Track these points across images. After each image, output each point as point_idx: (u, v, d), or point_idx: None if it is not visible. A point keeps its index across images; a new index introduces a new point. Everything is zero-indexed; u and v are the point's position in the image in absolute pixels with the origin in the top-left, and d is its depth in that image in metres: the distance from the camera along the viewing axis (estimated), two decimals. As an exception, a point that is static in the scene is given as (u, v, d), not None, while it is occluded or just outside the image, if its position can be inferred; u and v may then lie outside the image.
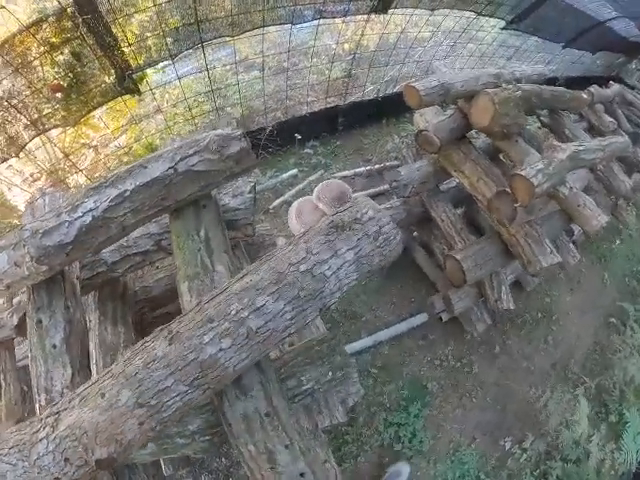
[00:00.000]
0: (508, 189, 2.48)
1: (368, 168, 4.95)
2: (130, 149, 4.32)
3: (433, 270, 3.97)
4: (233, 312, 1.21)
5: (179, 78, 3.98)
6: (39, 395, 1.56)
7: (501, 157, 3.58)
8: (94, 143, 4.25)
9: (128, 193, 1.46)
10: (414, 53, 5.47)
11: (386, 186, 4.76)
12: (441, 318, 3.77)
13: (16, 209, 4.19)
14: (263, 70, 4.40)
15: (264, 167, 4.85)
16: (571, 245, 3.82)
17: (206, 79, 4.05)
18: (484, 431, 3.45)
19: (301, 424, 1.83)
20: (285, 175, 4.80)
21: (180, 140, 1.95)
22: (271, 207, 4.54)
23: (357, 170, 4.93)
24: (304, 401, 1.81)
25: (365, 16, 4.28)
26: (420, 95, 2.59)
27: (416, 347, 3.74)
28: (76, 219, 1.40)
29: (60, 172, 4.06)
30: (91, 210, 1.42)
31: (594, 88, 4.72)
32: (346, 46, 5.09)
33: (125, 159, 4.31)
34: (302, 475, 1.45)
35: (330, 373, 1.84)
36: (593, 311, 4.47)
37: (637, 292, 4.90)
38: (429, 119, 3.11)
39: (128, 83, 3.49)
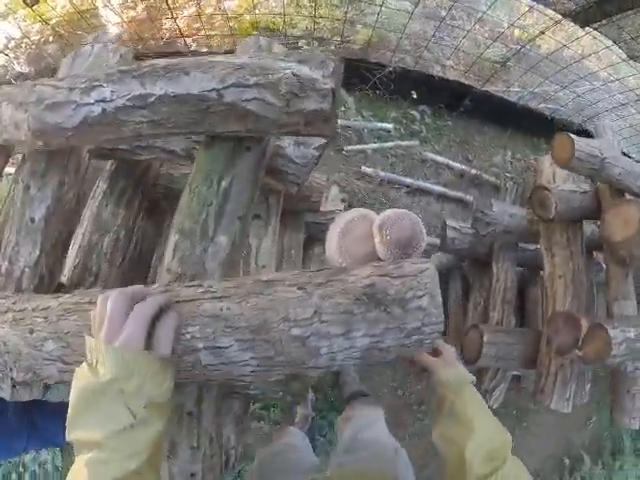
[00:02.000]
0: (582, 322, 2.07)
1: (463, 167, 4.40)
2: (237, 18, 3.86)
3: (455, 309, 3.63)
4: (187, 336, 0.94)
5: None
6: (2, 260, 1.46)
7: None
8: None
9: (152, 99, 1.11)
10: (579, 84, 4.62)
11: (468, 197, 4.28)
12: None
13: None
14: (416, 5, 3.76)
15: (363, 105, 4.35)
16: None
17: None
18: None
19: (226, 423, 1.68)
20: (379, 124, 4.30)
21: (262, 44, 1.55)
22: (346, 149, 4.13)
23: (451, 163, 4.40)
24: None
25: (559, 16, 3.51)
26: (573, 155, 2.11)
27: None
28: (85, 105, 1.10)
29: (157, 10, 3.69)
30: (104, 101, 1.10)
31: None
32: (517, 33, 4.31)
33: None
34: (192, 475, 1.28)
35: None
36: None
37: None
38: (557, 179, 2.60)
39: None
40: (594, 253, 2.99)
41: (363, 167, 4.08)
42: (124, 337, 0.77)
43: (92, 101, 1.11)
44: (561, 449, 4.14)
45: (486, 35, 4.33)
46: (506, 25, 4.16)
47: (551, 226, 2.53)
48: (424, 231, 1.12)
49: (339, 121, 4.15)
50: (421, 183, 4.18)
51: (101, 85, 1.12)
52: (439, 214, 4.15)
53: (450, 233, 3.17)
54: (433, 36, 4.02)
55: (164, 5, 3.64)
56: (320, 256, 3.38)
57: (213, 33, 4.03)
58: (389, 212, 1.14)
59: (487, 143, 4.70)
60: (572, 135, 2.24)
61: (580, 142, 2.19)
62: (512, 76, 4.56)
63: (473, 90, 4.47)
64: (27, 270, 1.49)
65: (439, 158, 4.38)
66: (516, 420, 3.86)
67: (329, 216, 3.13)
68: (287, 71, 1.06)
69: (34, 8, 3.82)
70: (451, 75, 4.43)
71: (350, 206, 3.83)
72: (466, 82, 4.45)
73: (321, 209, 3.17)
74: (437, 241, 3.44)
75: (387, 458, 1.53)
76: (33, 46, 4.46)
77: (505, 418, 3.77)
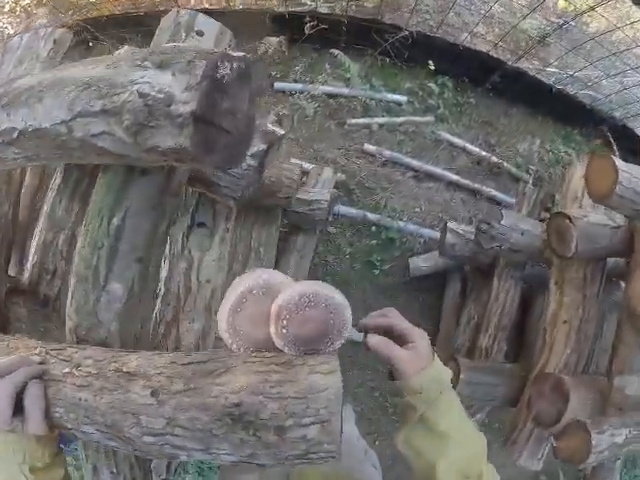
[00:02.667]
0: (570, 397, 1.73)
1: (483, 153, 3.91)
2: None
3: (448, 315, 3.33)
4: (57, 414, 0.86)
5: None
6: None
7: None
8: None
9: (16, 134, 0.93)
10: (628, 75, 3.98)
11: (483, 188, 3.82)
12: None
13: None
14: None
15: (372, 72, 3.87)
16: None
17: None
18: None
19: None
20: (389, 96, 3.85)
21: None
22: (348, 123, 3.70)
23: (469, 146, 3.91)
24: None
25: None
26: (612, 191, 1.67)
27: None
28: None
29: None
30: None
31: None
32: (562, 4, 3.66)
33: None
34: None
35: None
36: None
37: None
38: (586, 198, 2.13)
39: None
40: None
41: (366, 144, 3.69)
42: None
43: None
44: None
45: (523, 3, 3.71)
46: None
47: (568, 261, 2.11)
48: (345, 320, 0.83)
49: (343, 89, 3.71)
50: (430, 167, 3.75)
51: None
52: (447, 204, 3.74)
53: (450, 238, 2.85)
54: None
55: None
56: (303, 248, 3.12)
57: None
58: (295, 291, 0.84)
59: (513, 127, 4.15)
60: (617, 161, 1.73)
61: (626, 172, 1.69)
62: (550, 54, 3.97)
63: (504, 65, 3.90)
64: None
65: (456, 140, 3.91)
66: (497, 433, 3.62)
67: (314, 205, 2.84)
68: (134, 88, 0.75)
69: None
70: (478, 45, 3.88)
71: (340, 192, 3.47)
72: (496, 55, 3.90)
73: (305, 197, 2.89)
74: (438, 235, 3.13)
75: (356, 459, 1.46)
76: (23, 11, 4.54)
77: (485, 431, 3.53)
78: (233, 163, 0.89)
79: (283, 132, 1.89)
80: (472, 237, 2.76)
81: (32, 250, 2.20)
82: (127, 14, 4.34)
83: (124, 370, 0.87)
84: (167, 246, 1.56)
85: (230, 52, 0.78)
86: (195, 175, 1.38)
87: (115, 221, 1.06)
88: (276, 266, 2.95)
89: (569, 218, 1.96)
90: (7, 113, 0.95)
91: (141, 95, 0.73)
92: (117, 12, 4.38)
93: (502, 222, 2.45)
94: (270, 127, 1.89)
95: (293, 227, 3.05)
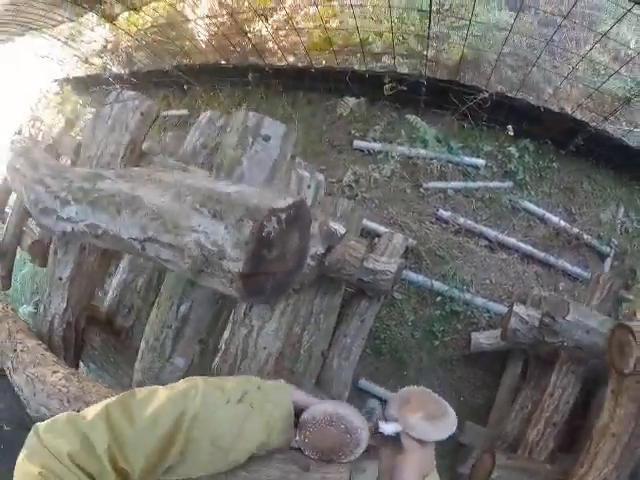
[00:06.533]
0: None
1: (562, 223, 3.86)
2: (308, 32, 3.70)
3: (503, 397, 3.34)
4: None
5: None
6: (43, 305, 2.09)
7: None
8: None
9: (100, 232, 1.21)
10: None
11: (560, 262, 3.78)
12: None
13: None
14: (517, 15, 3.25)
15: (452, 134, 4.00)
16: None
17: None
18: None
19: None
20: (467, 159, 3.96)
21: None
22: (424, 186, 3.86)
23: (547, 215, 3.89)
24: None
25: None
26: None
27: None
28: (61, 220, 1.35)
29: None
30: (71, 221, 1.27)
31: None
32: None
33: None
34: None
35: None
36: None
37: None
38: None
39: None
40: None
41: (440, 210, 3.81)
42: None
43: (65, 217, 1.26)
44: None
45: (607, 58, 3.69)
46: (633, 47, 3.46)
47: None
48: (359, 440, 1.04)
49: (421, 151, 3.87)
50: (505, 238, 3.78)
51: (69, 202, 1.25)
52: (519, 277, 3.74)
53: (514, 323, 2.82)
54: (539, 57, 3.46)
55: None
56: (365, 312, 3.27)
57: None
58: (321, 409, 1.07)
59: (597, 194, 4.06)
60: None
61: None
62: (638, 114, 3.84)
63: (588, 127, 3.83)
64: (57, 316, 2.04)
65: (534, 207, 3.91)
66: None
67: (380, 276, 2.98)
68: (193, 236, 0.95)
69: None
70: (562, 106, 3.86)
71: (410, 258, 3.61)
72: (580, 116, 3.85)
73: (372, 266, 3.01)
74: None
75: None
76: (124, 53, 5.20)
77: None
78: (281, 294, 1.10)
79: (344, 231, 2.08)
80: (536, 324, 2.78)
81: (113, 286, 2.63)
82: (217, 64, 4.80)
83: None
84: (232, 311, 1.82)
85: (277, 205, 0.91)
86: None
87: (182, 309, 1.34)
88: (336, 329, 3.15)
89: (632, 332, 1.92)
90: (92, 210, 1.20)
91: (198, 244, 0.93)
92: (209, 62, 4.86)
93: (567, 317, 2.44)
94: (333, 227, 2.08)
95: (359, 289, 3.19)
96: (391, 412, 1.09)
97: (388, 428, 1.06)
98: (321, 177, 2.08)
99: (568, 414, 2.68)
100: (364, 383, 3.54)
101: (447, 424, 1.07)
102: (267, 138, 1.39)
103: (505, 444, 2.95)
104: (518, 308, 2.87)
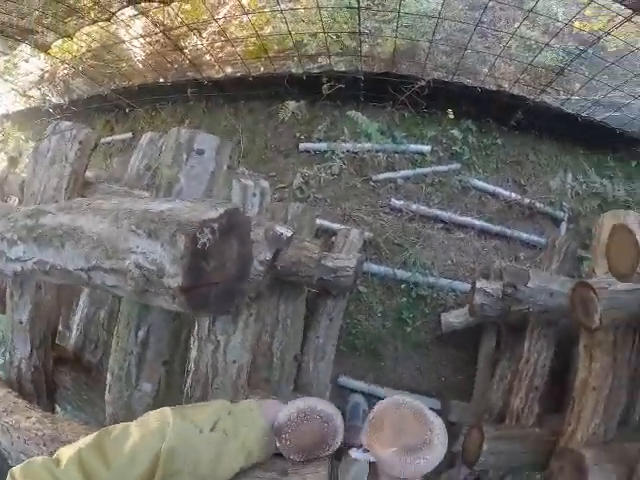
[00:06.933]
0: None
1: (513, 196, 3.97)
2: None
3: (483, 371, 3.42)
4: None
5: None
6: (9, 352, 2.09)
7: None
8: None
9: (48, 267, 1.19)
10: None
11: (516, 233, 3.88)
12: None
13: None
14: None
15: (395, 125, 4.09)
16: None
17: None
18: None
19: None
20: (412, 147, 4.03)
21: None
22: (374, 179, 3.93)
23: (498, 190, 4.00)
24: None
25: (630, 12, 2.92)
26: (634, 269, 1.68)
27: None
28: (10, 260, 1.31)
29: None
30: (20, 260, 1.25)
31: None
32: (577, 25, 3.68)
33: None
34: None
35: None
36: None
37: None
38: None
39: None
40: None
41: (393, 200, 3.88)
42: None
43: (13, 257, 1.25)
44: None
45: (538, 33, 3.87)
46: (561, 19, 3.59)
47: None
48: (337, 422, 1.10)
49: (366, 145, 3.93)
50: (460, 217, 3.88)
51: (15, 242, 1.24)
52: (479, 253, 3.83)
53: (479, 298, 2.88)
54: (469, 40, 3.55)
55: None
56: (332, 310, 3.29)
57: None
58: (293, 408, 1.11)
59: (543, 164, 4.20)
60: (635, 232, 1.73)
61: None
62: (572, 82, 3.98)
63: (526, 102, 3.97)
64: (23, 361, 2.05)
65: (484, 184, 4.02)
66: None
67: (340, 273, 3.01)
68: (132, 258, 0.96)
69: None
70: (498, 85, 3.98)
71: (369, 251, 3.65)
72: (517, 93, 3.97)
73: (331, 264, 3.03)
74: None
75: None
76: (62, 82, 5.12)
77: None
78: (231, 303, 1.11)
79: (291, 233, 2.09)
80: (501, 295, 2.84)
81: (76, 322, 2.63)
82: (156, 83, 4.77)
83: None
84: (195, 329, 1.81)
85: (208, 216, 0.94)
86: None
87: (140, 334, 1.36)
88: (306, 331, 3.16)
89: (592, 289, 1.94)
90: (37, 246, 1.20)
91: (138, 265, 0.95)
92: (147, 82, 4.82)
93: (529, 284, 2.50)
94: (279, 230, 2.09)
95: (323, 289, 3.21)
96: (363, 440, 1.05)
97: (360, 456, 1.06)
98: (266, 184, 2.09)
99: (548, 376, 2.74)
100: (344, 380, 3.56)
101: (429, 460, 1.01)
102: (201, 152, 1.43)
103: (492, 416, 3.01)
104: (480, 283, 2.95)
